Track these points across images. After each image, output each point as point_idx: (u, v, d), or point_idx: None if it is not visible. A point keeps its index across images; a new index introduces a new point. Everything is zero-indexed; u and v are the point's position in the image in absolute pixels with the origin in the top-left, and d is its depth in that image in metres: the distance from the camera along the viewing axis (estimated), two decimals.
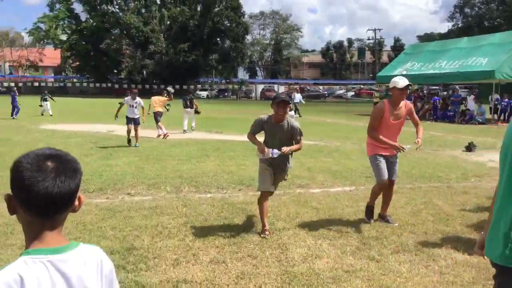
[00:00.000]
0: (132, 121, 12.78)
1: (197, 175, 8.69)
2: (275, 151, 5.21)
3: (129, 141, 12.77)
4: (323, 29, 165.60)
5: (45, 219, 1.31)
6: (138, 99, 12.92)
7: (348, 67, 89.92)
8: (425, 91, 31.39)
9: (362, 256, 4.65)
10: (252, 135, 5.50)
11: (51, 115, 23.96)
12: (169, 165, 9.74)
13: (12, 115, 22.23)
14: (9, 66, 70.95)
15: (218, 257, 4.54)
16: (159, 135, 14.90)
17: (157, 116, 15.04)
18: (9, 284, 1.20)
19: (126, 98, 13.26)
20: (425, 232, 5.43)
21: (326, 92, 69.12)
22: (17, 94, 23.79)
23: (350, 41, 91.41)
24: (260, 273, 4.19)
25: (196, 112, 17.98)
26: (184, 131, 16.90)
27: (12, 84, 49.88)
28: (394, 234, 5.34)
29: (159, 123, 14.98)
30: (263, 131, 5.55)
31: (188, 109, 17.48)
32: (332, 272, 4.24)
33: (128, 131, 12.81)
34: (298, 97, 28.34)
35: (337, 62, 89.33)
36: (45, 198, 1.26)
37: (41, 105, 25.28)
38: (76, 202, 1.37)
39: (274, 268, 4.30)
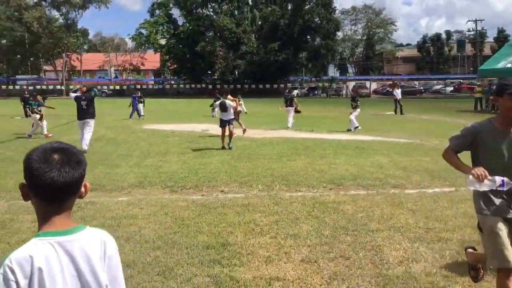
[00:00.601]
0: (226, 123, 12.54)
1: (288, 173, 8.75)
2: (507, 180, 2.99)
3: (223, 147, 12.34)
4: (419, 22, 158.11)
5: (53, 204, 1.48)
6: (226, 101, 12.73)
7: (446, 61, 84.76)
8: None
9: (462, 261, 4.38)
10: (452, 153, 3.31)
11: (142, 115, 24.88)
12: (261, 163, 9.91)
13: (129, 116, 23.90)
14: (114, 70, 76.63)
15: (310, 256, 4.55)
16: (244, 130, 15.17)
17: (235, 115, 15.34)
18: (21, 263, 1.38)
19: (217, 103, 13.42)
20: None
21: (422, 88, 65.83)
22: (138, 96, 25.65)
23: (448, 34, 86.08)
24: (353, 274, 4.12)
25: (296, 111, 18.61)
26: (288, 127, 18.10)
27: (137, 87, 53.63)
28: None
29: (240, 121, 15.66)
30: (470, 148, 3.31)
31: (289, 108, 18.73)
32: (430, 277, 4.05)
33: (223, 137, 12.58)
34: (399, 92, 27.14)
35: (434, 55, 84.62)
36: (51, 186, 1.43)
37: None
38: (82, 189, 1.54)
39: (368, 270, 4.21)
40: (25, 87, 28.80)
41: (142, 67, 77.95)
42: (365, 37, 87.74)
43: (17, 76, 75.73)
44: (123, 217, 5.84)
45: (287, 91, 21.51)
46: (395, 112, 26.49)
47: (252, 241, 4.96)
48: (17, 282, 1.37)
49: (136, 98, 24.53)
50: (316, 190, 7.44)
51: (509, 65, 23.81)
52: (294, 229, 5.38)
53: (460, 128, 3.39)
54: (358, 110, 17.56)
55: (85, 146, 11.73)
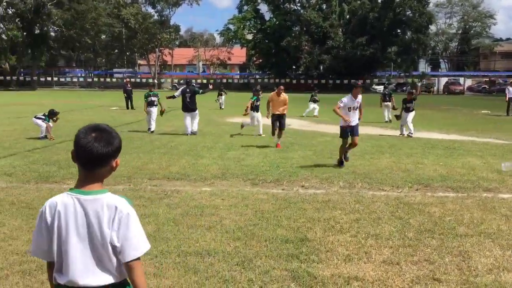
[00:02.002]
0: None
1: (371, 171, 8.51)
2: None
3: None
4: None
5: (85, 170, 1.93)
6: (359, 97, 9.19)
7: None
8: None
9: None
10: None
11: (222, 109, 26.03)
12: None
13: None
14: (202, 64, 79.32)
15: (391, 257, 4.39)
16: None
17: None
18: (50, 205, 1.93)
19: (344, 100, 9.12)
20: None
21: None
22: (220, 89, 26.73)
23: None
24: (438, 280, 3.92)
25: (393, 108, 18.64)
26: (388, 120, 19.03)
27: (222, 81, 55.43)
28: None
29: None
30: None
31: (387, 103, 19.48)
32: None
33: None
34: None
35: None
36: (85, 155, 1.90)
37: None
38: (113, 164, 1.96)
39: (453, 276, 3.98)
40: (127, 80, 30.49)
41: (228, 62, 79.87)
42: (460, 31, 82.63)
43: (114, 70, 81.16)
44: (206, 206, 6.03)
45: (384, 86, 21.44)
46: (507, 113, 23.53)
47: (331, 238, 4.90)
48: (46, 218, 1.92)
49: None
50: (400, 190, 7.16)
51: None
52: (376, 229, 5.23)
53: None
54: (413, 112, 14.64)
55: (195, 129, 14.38)
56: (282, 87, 12.06)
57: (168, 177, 7.83)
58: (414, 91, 17.77)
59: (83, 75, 75.30)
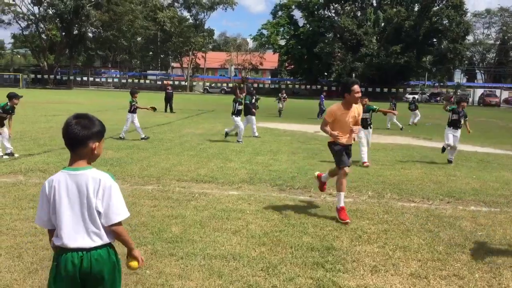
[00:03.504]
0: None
1: (401, 182, 8.36)
2: None
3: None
4: None
5: (71, 151, 2.36)
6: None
7: None
8: None
9: None
10: None
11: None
12: (372, 169, 9.60)
13: (318, 116, 24.46)
14: (234, 68, 79.87)
15: (419, 271, 4.29)
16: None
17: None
18: (48, 182, 2.35)
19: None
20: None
21: None
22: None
23: None
24: None
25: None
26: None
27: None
28: None
29: None
30: None
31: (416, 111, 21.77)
32: None
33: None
34: None
35: None
36: (65, 136, 2.34)
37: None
38: (92, 146, 2.35)
39: None
40: (168, 82, 30.92)
41: (260, 67, 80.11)
42: (498, 42, 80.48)
43: (148, 71, 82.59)
44: (232, 210, 6.05)
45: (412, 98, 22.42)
46: None
47: (358, 248, 4.83)
48: (45, 193, 2.34)
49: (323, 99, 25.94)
50: (431, 202, 7.00)
51: None
52: (405, 241, 5.12)
53: None
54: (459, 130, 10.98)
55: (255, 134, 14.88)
56: (357, 88, 6.20)
57: (196, 180, 7.89)
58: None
59: (118, 75, 76.97)
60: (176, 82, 69.58)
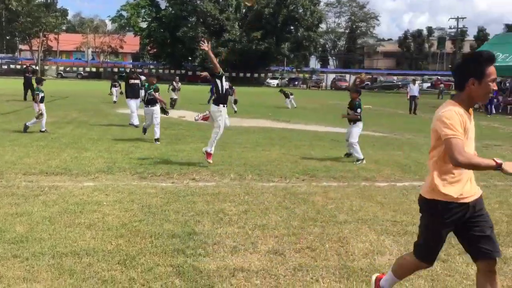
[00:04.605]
0: None
1: (262, 163, 8.67)
2: None
3: None
4: (401, 17, 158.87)
5: None
6: None
7: (425, 57, 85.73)
8: (507, 84, 29.56)
9: None
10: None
11: (115, 102, 22.76)
12: (235, 152, 9.81)
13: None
14: (91, 52, 75.10)
15: (276, 247, 4.48)
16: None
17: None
18: None
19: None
20: (498, 234, 5.02)
21: (400, 83, 66.45)
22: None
23: (430, 30, 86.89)
24: (318, 266, 4.07)
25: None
26: None
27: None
28: None
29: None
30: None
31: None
32: None
33: None
34: (415, 89, 24.23)
35: (414, 52, 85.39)
36: None
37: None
38: None
39: (332, 262, 4.17)
40: (28, 66, 27.03)
41: (120, 50, 76.47)
42: (347, 31, 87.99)
43: None
44: (87, 203, 5.66)
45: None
46: (411, 111, 24.24)
47: (219, 231, 4.87)
48: None
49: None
50: (288, 180, 7.38)
51: None
52: (263, 219, 5.31)
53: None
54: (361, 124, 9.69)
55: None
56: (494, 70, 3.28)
57: (46, 172, 7.23)
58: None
59: None
60: (24, 66, 63.17)
